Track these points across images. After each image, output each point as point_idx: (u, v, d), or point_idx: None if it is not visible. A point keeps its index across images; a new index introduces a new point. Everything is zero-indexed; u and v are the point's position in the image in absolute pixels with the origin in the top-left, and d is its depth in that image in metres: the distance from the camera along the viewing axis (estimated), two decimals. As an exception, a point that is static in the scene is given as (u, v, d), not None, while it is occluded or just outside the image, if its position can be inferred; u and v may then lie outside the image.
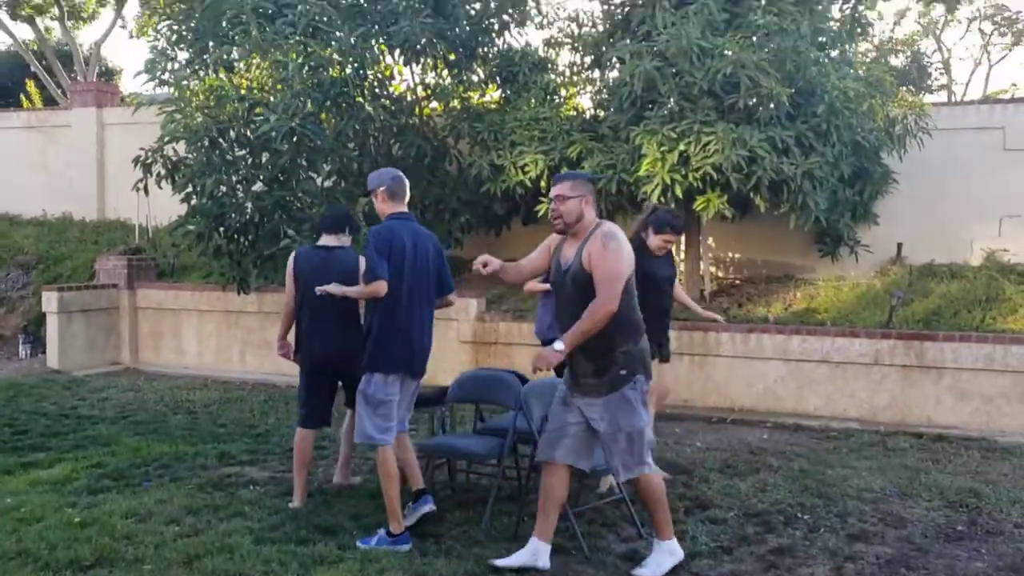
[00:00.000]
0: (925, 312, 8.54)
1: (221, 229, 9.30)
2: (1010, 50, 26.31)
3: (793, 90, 8.27)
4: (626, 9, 9.56)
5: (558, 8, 11.09)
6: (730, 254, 10.55)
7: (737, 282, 10.27)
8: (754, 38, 8.20)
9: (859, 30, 9.61)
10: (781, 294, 9.52)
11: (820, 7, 8.85)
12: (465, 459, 5.69)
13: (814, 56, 8.45)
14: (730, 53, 7.95)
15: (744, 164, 7.86)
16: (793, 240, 9.65)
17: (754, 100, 8.17)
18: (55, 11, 22.20)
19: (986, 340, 7.91)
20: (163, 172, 9.30)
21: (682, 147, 7.99)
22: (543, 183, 9.00)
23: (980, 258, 9.47)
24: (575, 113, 9.81)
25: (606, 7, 10.12)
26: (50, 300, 10.64)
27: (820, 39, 8.98)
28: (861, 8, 9.47)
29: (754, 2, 8.39)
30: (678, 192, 8.03)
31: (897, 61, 23.69)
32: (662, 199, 8.05)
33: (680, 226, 5.99)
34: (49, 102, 21.04)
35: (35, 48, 22.80)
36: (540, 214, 9.08)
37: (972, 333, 8.05)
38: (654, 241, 5.81)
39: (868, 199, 9.31)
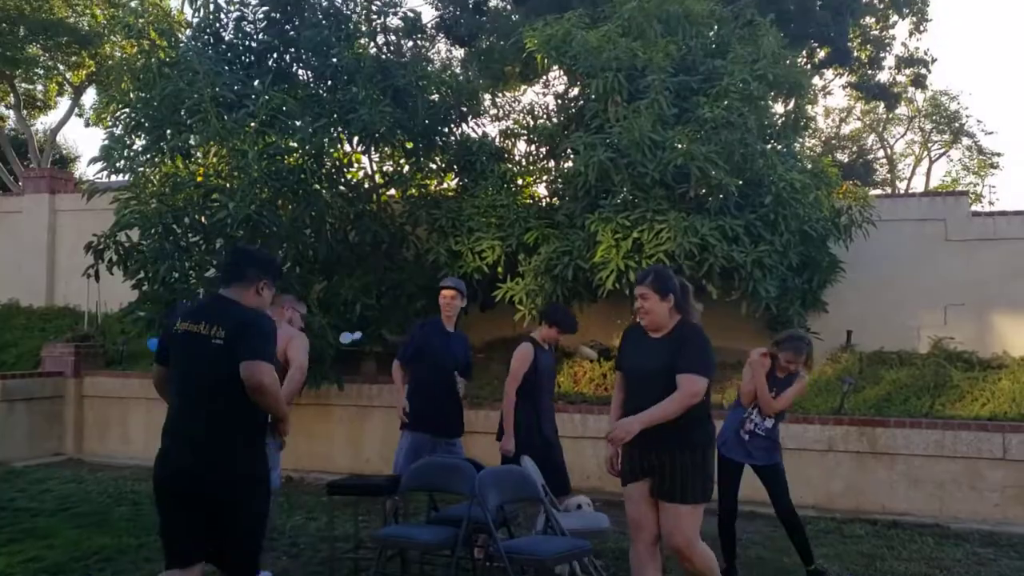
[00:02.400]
0: (876, 398, 8.65)
1: (172, 316, 9.16)
2: (949, 147, 27.41)
3: (741, 181, 8.50)
4: (579, 103, 9.83)
5: (514, 101, 11.34)
6: (684, 341, 10.63)
7: (692, 369, 10.32)
8: (703, 131, 8.44)
9: (802, 124, 9.98)
10: (735, 380, 9.57)
11: (764, 103, 9.16)
12: (418, 549, 5.55)
13: (760, 148, 8.72)
14: (680, 145, 8.18)
15: (696, 251, 8.01)
16: (745, 327, 9.75)
17: (704, 190, 8.39)
18: (11, 99, 22.21)
19: (935, 426, 8.02)
20: (115, 258, 9.21)
21: (636, 235, 8.13)
22: (500, 269, 9.07)
23: (927, 345, 9.66)
24: (531, 201, 9.97)
25: (560, 101, 10.42)
26: (-7, 388, 10.35)
27: (766, 133, 9.28)
28: (802, 103, 9.85)
29: (702, 97, 8.67)
30: (632, 278, 8.13)
31: (843, 156, 24.56)
32: (616, 285, 8.14)
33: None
34: (0, 189, 20.87)
35: (-11, 136, 22.72)
36: (497, 299, 9.12)
37: (922, 419, 8.15)
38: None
39: (817, 287, 9.50)
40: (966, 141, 26.82)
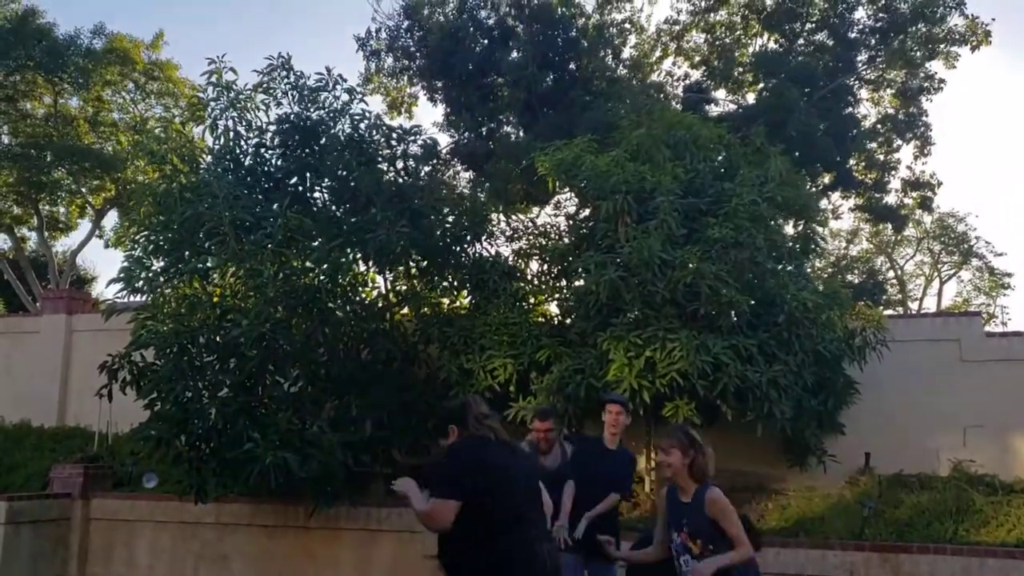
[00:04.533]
0: (897, 523, 8.43)
1: (183, 436, 9.10)
2: (959, 268, 27.55)
3: (753, 300, 8.53)
4: (590, 224, 9.99)
5: (527, 222, 11.56)
6: (700, 463, 10.46)
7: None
8: (712, 250, 8.52)
9: (813, 246, 10.08)
10: (753, 504, 9.37)
11: (773, 223, 9.27)
12: None
13: (771, 268, 8.79)
14: (691, 264, 8.25)
15: (709, 370, 7.97)
16: (762, 449, 9.61)
17: (715, 309, 8.40)
18: (34, 221, 22.76)
19: (961, 552, 7.78)
20: (129, 378, 9.22)
21: (648, 353, 8.12)
22: (512, 387, 9.03)
23: (947, 468, 9.45)
24: (543, 319, 10.01)
25: (571, 222, 10.59)
26: (-2, 510, 10.19)
27: (777, 253, 9.36)
28: (812, 225, 9.97)
29: (711, 218, 8.79)
30: (646, 397, 8.08)
31: (853, 277, 24.71)
32: (630, 404, 8.07)
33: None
34: (19, 310, 21.14)
35: (10, 257, 23.19)
36: (509, 418, 9.04)
37: (947, 545, 7.92)
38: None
39: (833, 408, 9.39)
40: (976, 262, 27.00)
